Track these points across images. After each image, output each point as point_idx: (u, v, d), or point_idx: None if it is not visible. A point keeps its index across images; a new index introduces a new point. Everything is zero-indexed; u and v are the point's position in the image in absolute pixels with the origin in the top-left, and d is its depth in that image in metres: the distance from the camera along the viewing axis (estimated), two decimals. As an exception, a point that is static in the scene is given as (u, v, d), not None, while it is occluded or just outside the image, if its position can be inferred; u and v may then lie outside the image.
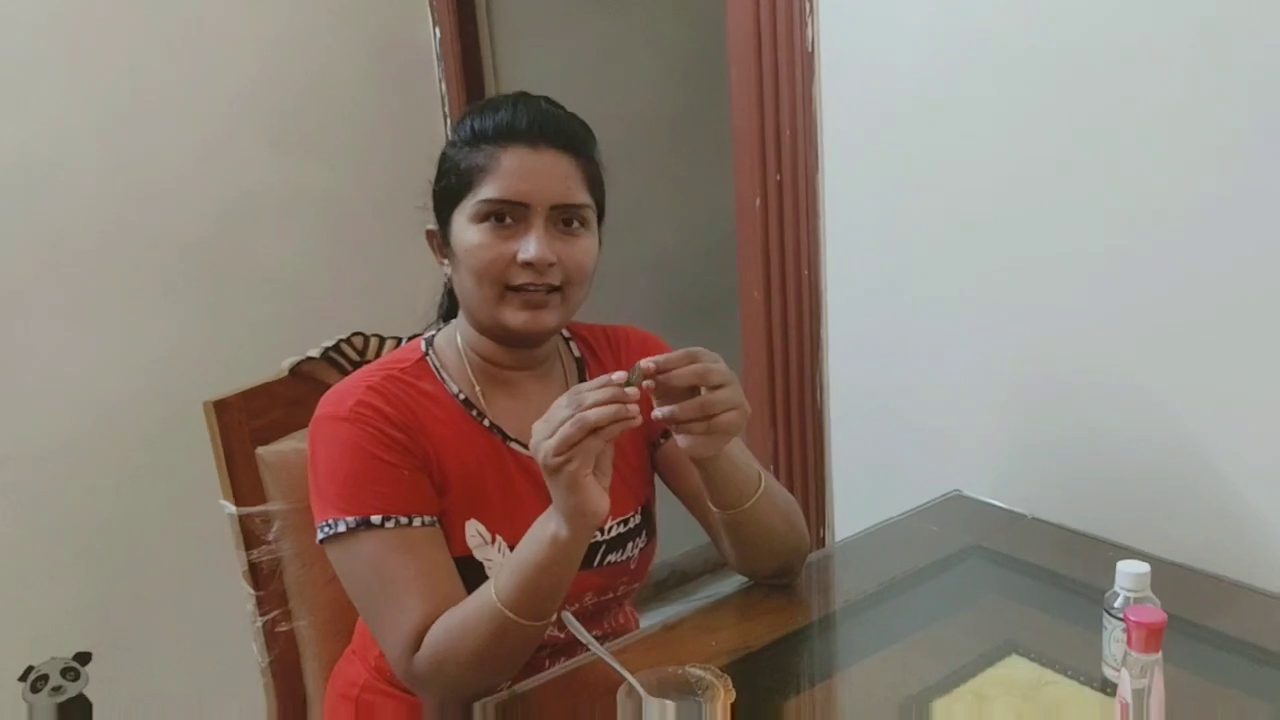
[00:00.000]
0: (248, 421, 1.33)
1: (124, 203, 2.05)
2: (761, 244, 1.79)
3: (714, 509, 1.13)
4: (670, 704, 1.00)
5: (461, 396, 1.16)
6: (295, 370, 1.36)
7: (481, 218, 1.09)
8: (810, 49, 1.65)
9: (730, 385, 0.99)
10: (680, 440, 1.02)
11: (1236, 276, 1.26)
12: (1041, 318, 1.48)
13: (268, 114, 2.19)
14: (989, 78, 1.46)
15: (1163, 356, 1.35)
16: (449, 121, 2.40)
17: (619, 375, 0.95)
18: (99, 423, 2.07)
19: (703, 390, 0.98)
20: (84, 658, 2.09)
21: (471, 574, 1.11)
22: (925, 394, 1.67)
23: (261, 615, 1.33)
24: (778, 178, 1.75)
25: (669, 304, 2.92)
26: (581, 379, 1.24)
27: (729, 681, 1.00)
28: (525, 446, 1.11)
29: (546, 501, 1.00)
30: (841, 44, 1.63)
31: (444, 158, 1.16)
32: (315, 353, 1.37)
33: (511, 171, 1.08)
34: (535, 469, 1.13)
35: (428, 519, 1.09)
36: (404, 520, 1.07)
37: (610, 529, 1.20)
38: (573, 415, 0.92)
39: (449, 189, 1.13)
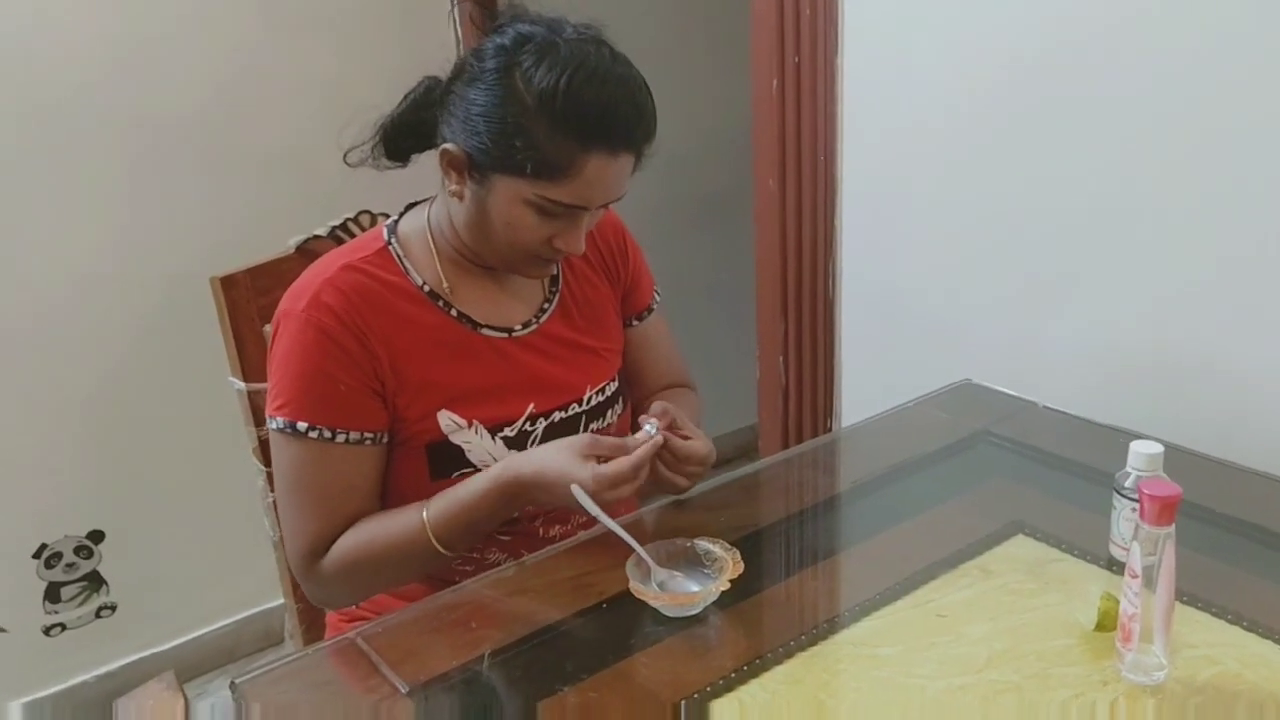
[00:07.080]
0: (255, 298, 1.32)
1: (113, 73, 1.98)
2: (778, 129, 1.75)
3: None
4: (678, 574, 1.02)
5: (426, 289, 1.16)
6: (302, 248, 1.34)
7: (536, 206, 1.07)
8: (833, -78, 1.59)
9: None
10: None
11: (1237, 155, 1.23)
12: (1056, 210, 1.45)
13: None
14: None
15: (1175, 250, 1.33)
16: (455, 8, 2.32)
17: (649, 431, 1.08)
18: (104, 299, 2.06)
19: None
20: (97, 536, 2.13)
21: (450, 458, 1.14)
22: (938, 284, 1.65)
23: (272, 491, 1.34)
24: (796, 60, 1.70)
25: (682, 199, 2.88)
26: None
27: (738, 555, 1.01)
28: (497, 330, 1.18)
29: (523, 377, 1.07)
30: (866, -83, 1.57)
31: (511, 107, 1.03)
32: (322, 231, 1.36)
33: (588, 183, 1.05)
34: (512, 350, 1.18)
35: (355, 435, 1.10)
36: (328, 434, 1.09)
37: (589, 399, 1.23)
38: (635, 480, 1.04)
39: (510, 153, 1.03)
